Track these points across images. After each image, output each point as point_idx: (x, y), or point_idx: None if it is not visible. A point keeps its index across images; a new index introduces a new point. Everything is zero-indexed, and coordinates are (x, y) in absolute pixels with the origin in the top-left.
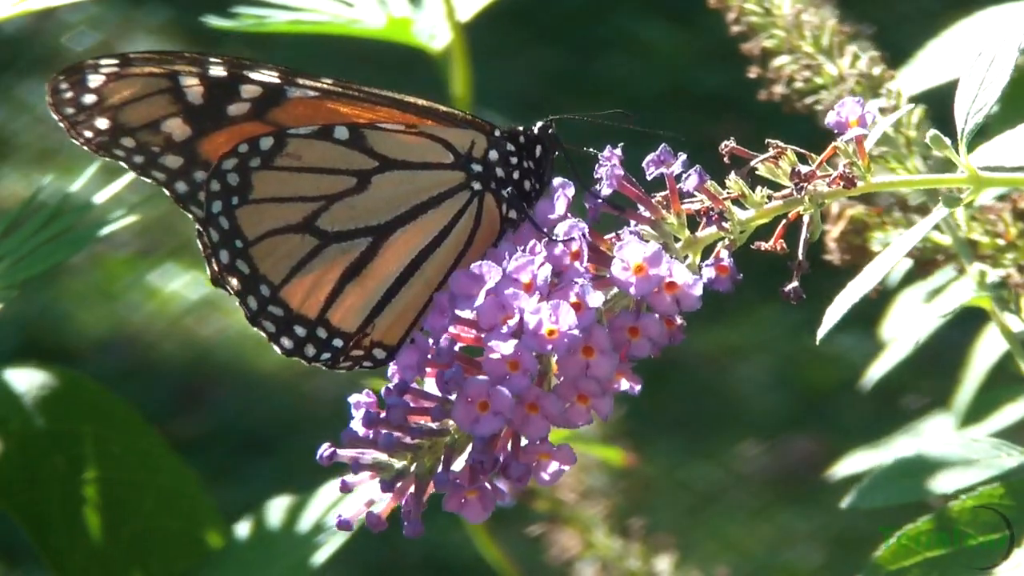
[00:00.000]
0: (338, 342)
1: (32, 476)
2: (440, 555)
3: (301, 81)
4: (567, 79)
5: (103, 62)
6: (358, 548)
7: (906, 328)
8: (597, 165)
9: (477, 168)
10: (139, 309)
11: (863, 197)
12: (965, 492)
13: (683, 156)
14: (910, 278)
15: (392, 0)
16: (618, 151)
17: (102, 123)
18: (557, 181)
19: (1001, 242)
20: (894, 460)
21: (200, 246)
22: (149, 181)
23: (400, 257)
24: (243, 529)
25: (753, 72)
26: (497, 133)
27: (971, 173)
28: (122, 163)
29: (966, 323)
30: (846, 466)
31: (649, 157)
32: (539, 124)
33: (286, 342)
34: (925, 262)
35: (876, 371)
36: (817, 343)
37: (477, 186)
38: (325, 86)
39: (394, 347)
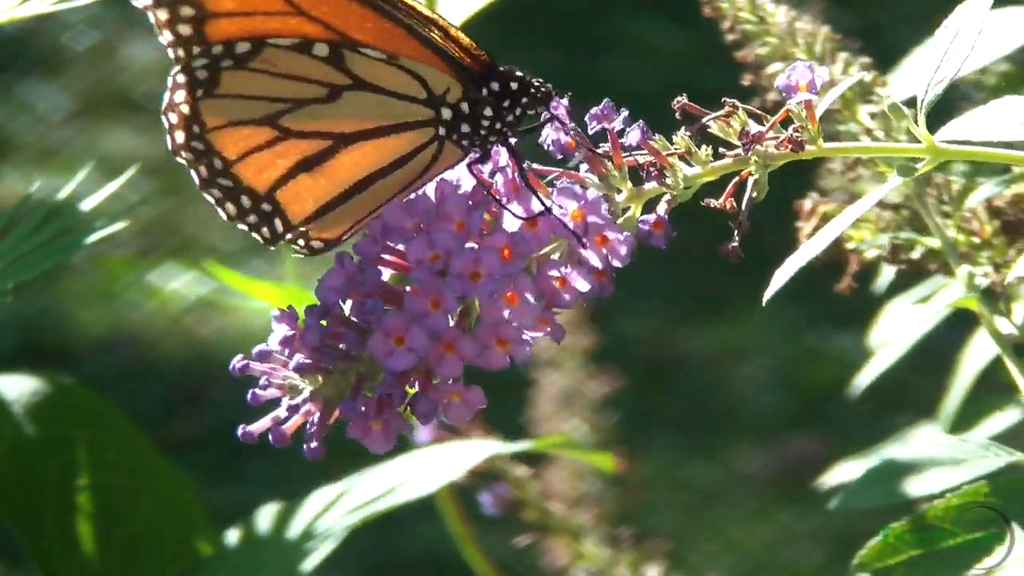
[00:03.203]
0: (279, 224)
1: (25, 483)
2: (438, 553)
3: None
4: (567, 79)
5: None
6: (355, 547)
7: (896, 332)
8: (547, 120)
9: (447, 114)
10: (139, 309)
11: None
12: (952, 491)
13: (625, 112)
14: (899, 287)
15: None
16: (565, 101)
17: None
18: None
19: (976, 240)
20: (881, 460)
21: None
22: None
23: (355, 169)
24: (233, 535)
25: (746, 79)
26: (485, 91)
27: (928, 143)
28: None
29: (966, 324)
30: (837, 475)
31: (592, 111)
32: (539, 85)
33: (230, 207)
34: (910, 262)
35: (865, 376)
36: (763, 304)
37: (442, 131)
38: None
39: (332, 241)
